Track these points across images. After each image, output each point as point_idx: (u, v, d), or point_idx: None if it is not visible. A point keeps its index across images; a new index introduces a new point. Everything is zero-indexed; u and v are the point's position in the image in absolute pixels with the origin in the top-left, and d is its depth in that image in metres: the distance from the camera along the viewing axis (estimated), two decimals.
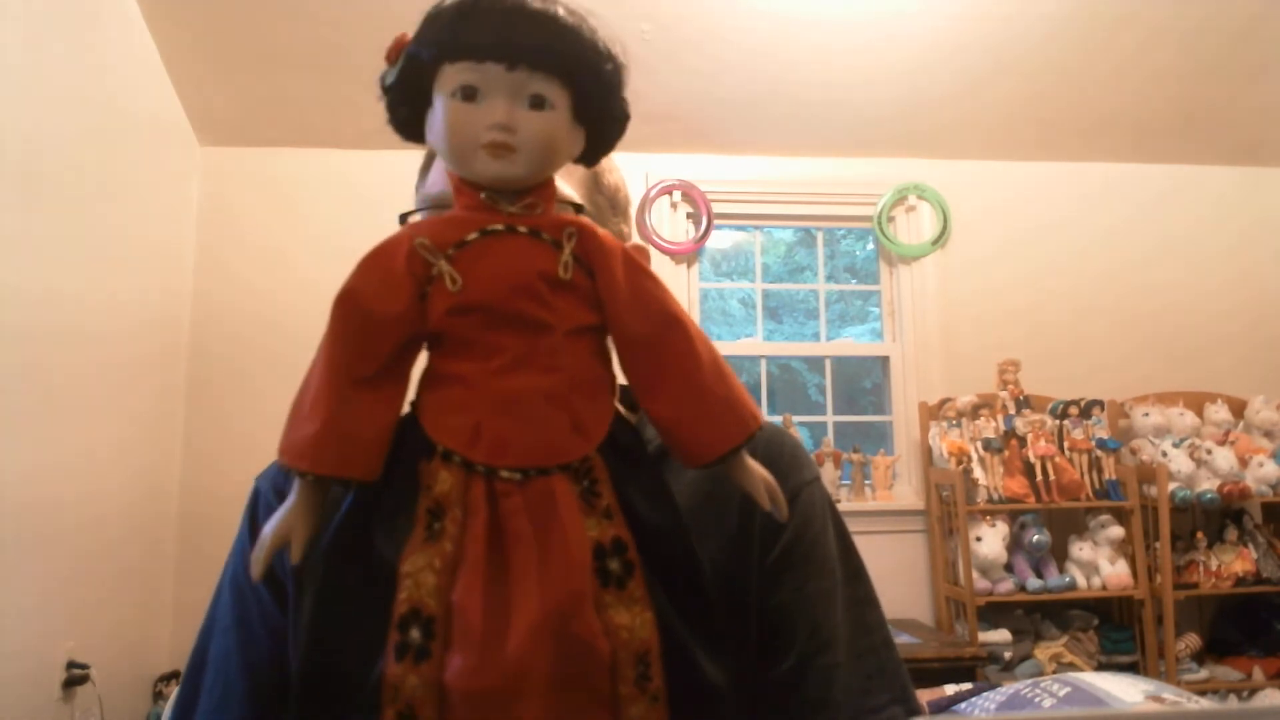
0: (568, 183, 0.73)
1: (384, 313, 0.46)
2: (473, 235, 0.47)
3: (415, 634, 0.42)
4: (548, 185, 0.49)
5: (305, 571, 0.47)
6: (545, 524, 0.43)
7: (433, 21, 0.46)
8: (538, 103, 0.46)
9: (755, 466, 0.51)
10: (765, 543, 0.71)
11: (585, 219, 0.48)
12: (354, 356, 0.46)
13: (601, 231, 0.48)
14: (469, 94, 0.46)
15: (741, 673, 0.68)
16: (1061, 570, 2.93)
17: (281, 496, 0.50)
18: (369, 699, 0.41)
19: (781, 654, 0.68)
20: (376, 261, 0.47)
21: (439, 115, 0.47)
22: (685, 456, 0.49)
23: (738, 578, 0.69)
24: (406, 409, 0.48)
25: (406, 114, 0.49)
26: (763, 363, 3.41)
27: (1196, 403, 3.19)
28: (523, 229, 0.47)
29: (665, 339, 0.48)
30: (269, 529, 0.47)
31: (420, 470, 0.45)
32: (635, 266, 0.48)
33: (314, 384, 0.47)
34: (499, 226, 0.47)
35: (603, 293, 0.48)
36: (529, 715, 0.41)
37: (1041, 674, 2.64)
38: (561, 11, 0.46)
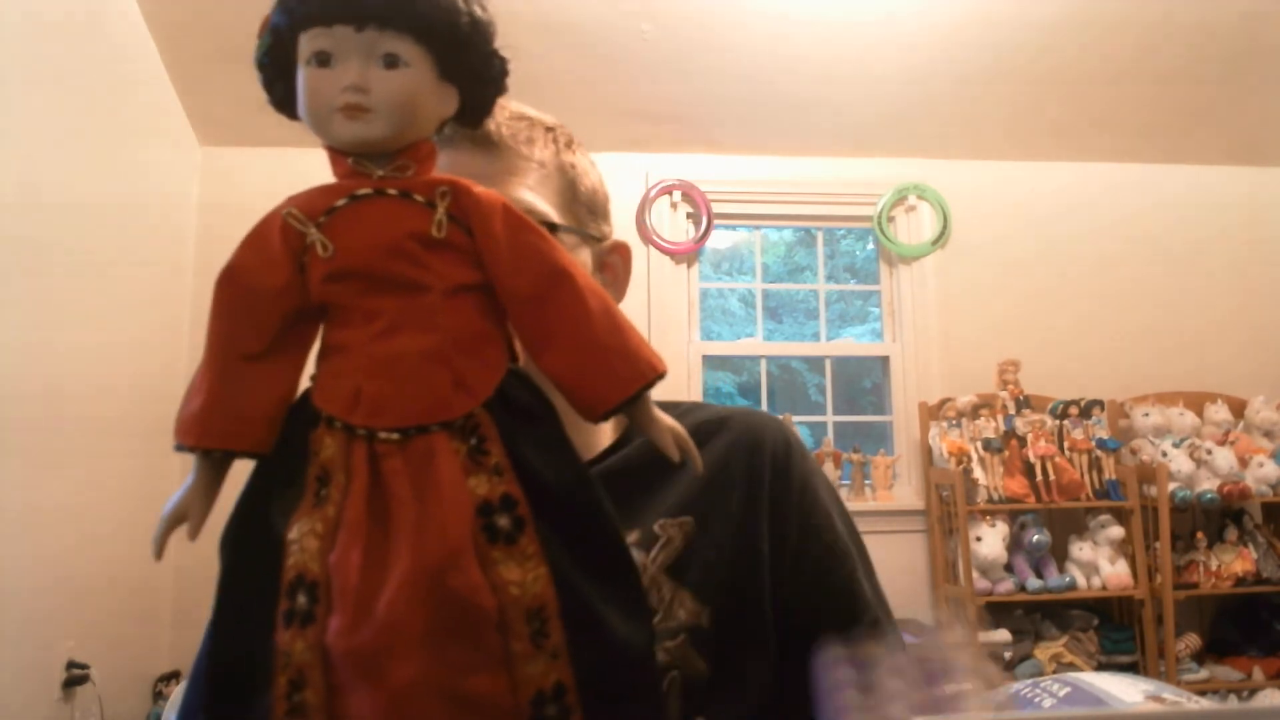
0: (542, 196, 0.70)
1: (265, 287, 0.46)
2: (341, 201, 0.46)
3: (301, 599, 0.42)
4: (419, 146, 0.48)
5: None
6: (424, 483, 0.43)
7: None
8: (391, 62, 0.45)
9: (662, 416, 0.49)
10: (776, 527, 0.71)
11: (461, 179, 0.48)
12: (239, 333, 0.47)
13: (479, 189, 0.48)
14: (323, 59, 0.45)
15: (756, 656, 0.68)
16: (1061, 570, 2.93)
17: None
18: (267, 670, 0.41)
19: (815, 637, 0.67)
20: (255, 238, 0.47)
21: (299, 84, 0.47)
22: (582, 410, 0.48)
23: (744, 562, 0.69)
24: (307, 383, 0.48)
25: (283, 90, 0.48)
26: (763, 363, 3.40)
27: (1196, 403, 3.19)
28: (392, 191, 0.47)
29: (551, 293, 0.47)
30: (167, 508, 0.47)
31: (310, 440, 0.45)
32: (518, 222, 0.48)
33: (202, 363, 0.47)
34: (367, 190, 0.46)
35: (482, 250, 0.47)
36: (405, 672, 0.40)
37: (1041, 674, 2.64)
38: None
